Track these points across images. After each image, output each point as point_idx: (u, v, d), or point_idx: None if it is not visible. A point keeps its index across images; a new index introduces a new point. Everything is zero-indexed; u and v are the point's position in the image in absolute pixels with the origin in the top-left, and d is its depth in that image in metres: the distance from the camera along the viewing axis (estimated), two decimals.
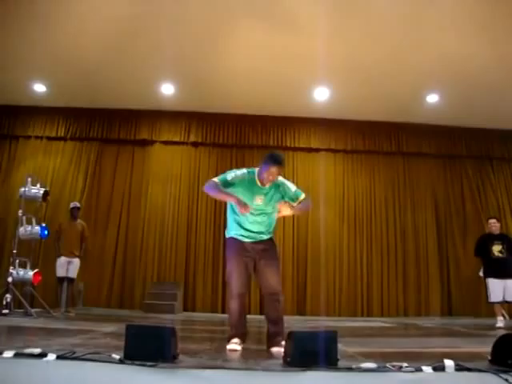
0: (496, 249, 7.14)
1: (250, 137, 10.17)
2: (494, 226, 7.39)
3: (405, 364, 2.53)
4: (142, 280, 9.40)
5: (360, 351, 3.49)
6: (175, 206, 9.84)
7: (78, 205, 8.17)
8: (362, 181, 10.20)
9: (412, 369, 2.49)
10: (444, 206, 10.37)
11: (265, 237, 3.85)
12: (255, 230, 3.79)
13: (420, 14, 6.78)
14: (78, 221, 8.04)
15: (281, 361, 2.63)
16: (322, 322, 7.52)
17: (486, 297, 7.45)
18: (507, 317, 6.99)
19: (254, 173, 3.81)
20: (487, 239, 7.39)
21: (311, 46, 7.43)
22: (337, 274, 9.71)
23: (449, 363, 2.53)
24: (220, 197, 3.83)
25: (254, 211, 3.70)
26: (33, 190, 7.28)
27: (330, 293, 9.49)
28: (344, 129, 10.30)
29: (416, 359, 3.27)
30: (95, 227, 9.42)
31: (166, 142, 10.22)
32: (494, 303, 7.14)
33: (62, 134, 10.03)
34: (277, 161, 3.65)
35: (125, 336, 2.46)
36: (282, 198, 3.81)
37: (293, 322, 7.36)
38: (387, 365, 2.52)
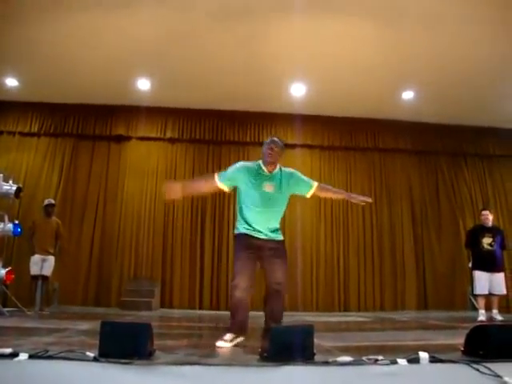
0: (486, 241, 7.08)
1: (227, 133, 10.15)
2: (486, 217, 7.27)
3: (380, 357, 2.57)
4: (118, 277, 9.30)
5: (336, 345, 3.52)
6: (152, 203, 9.76)
7: (52, 202, 8.03)
8: (339, 177, 10.26)
9: (387, 361, 2.53)
10: (419, 201, 10.52)
11: (273, 236, 3.84)
12: (263, 227, 3.78)
13: (396, 13, 6.83)
14: (53, 218, 7.90)
15: (258, 356, 2.63)
16: (300, 317, 7.55)
17: (472, 289, 7.53)
18: (497, 313, 6.99)
19: (259, 163, 3.84)
20: (478, 231, 7.30)
21: (288, 42, 7.44)
22: (314, 270, 9.77)
23: (423, 355, 2.58)
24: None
25: (267, 201, 3.72)
26: (4, 187, 7.12)
27: (307, 288, 9.53)
28: (320, 125, 10.35)
29: (391, 352, 3.31)
30: (70, 224, 9.28)
31: (142, 138, 10.12)
32: (478, 295, 7.13)
33: (36, 130, 9.83)
34: (274, 140, 3.82)
35: (99, 333, 2.42)
36: (295, 189, 3.94)
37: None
38: (363, 358, 2.55)
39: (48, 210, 7.86)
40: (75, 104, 9.81)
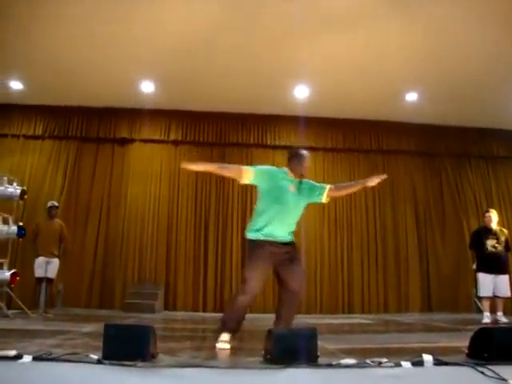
0: (490, 243, 7.04)
1: (231, 135, 10.15)
2: (489, 219, 7.23)
3: (384, 359, 2.56)
4: (122, 280, 9.31)
5: (340, 348, 3.51)
6: (155, 205, 9.78)
7: (55, 204, 8.05)
8: (342, 178, 10.16)
9: (391, 364, 2.52)
10: (423, 202, 10.50)
11: (289, 239, 3.90)
12: (282, 230, 3.81)
13: (400, 14, 6.82)
14: (56, 220, 7.92)
15: (261, 358, 2.63)
16: (303, 320, 7.52)
17: (476, 291, 7.49)
18: (502, 315, 6.95)
19: (285, 170, 3.94)
20: (482, 233, 7.25)
21: (291, 44, 7.44)
22: (317, 272, 9.76)
23: (427, 358, 2.57)
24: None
25: (290, 202, 3.79)
26: (9, 189, 7.16)
27: (310, 290, 9.51)
28: (324, 127, 10.34)
29: (395, 355, 3.30)
30: (74, 226, 9.30)
31: (145, 141, 10.13)
32: (483, 297, 7.09)
33: (40, 133, 9.86)
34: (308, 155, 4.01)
35: (103, 336, 2.43)
36: (311, 196, 3.99)
37: (273, 320, 7.37)
38: (367, 361, 2.54)
39: (51, 212, 7.89)
40: (79, 107, 9.84)
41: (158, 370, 2.30)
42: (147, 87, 9.07)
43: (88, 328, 4.78)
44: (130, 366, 2.23)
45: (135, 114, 10.02)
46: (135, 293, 8.67)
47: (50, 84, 8.97)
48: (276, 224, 3.75)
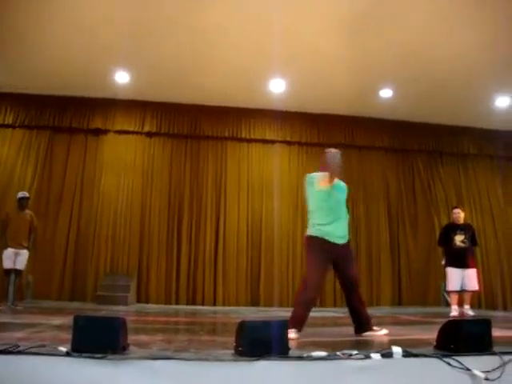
0: (458, 238, 7.21)
1: (206, 127, 10.11)
2: (457, 215, 7.43)
3: (355, 352, 2.58)
4: (94, 271, 9.21)
5: (311, 340, 3.54)
6: (128, 197, 9.68)
7: (26, 194, 7.88)
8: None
9: (361, 356, 2.54)
10: (396, 198, 10.66)
11: (343, 240, 4.12)
12: (338, 229, 4.07)
13: (376, 10, 6.88)
14: (27, 211, 7.76)
15: (232, 350, 2.63)
16: (275, 313, 7.58)
17: (445, 285, 7.66)
18: (469, 309, 7.13)
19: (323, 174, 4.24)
20: (450, 229, 7.43)
21: (268, 37, 7.42)
22: (290, 265, 9.83)
23: (396, 350, 2.61)
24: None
25: (335, 201, 4.12)
26: None
27: (283, 283, 9.58)
28: (299, 121, 10.39)
29: (366, 347, 3.35)
30: (45, 217, 9.15)
31: (119, 132, 10.02)
32: (451, 291, 7.27)
33: (10, 122, 9.65)
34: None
35: (72, 328, 2.39)
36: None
37: (246, 313, 7.40)
38: (337, 353, 2.56)
39: (22, 202, 7.72)
40: (52, 95, 9.65)
41: (129, 361, 2.27)
42: (122, 77, 8.95)
43: (58, 321, 4.72)
44: (100, 358, 2.20)
45: (109, 105, 9.89)
46: (107, 285, 8.60)
47: (22, 71, 8.78)
48: (330, 223, 4.10)
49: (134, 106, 9.96)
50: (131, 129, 9.99)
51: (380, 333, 3.97)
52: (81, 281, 9.15)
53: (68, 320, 4.26)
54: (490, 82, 8.82)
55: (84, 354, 2.24)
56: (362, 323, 4.06)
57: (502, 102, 9.57)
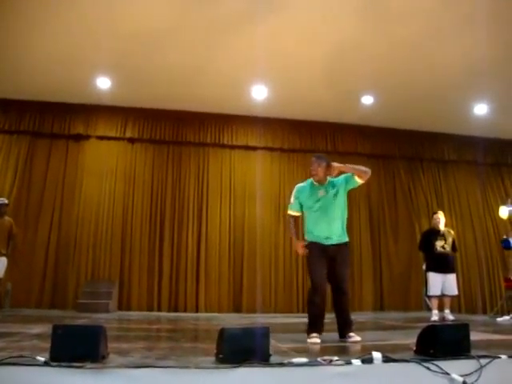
0: (439, 244, 7.31)
1: (188, 134, 10.09)
2: (438, 221, 7.51)
3: (335, 358, 2.60)
4: (75, 279, 9.08)
5: (293, 347, 3.55)
6: (110, 203, 9.60)
7: (5, 201, 7.77)
8: (298, 179, 10.18)
9: (342, 362, 2.56)
10: (377, 204, 10.76)
11: (337, 239, 4.23)
12: (328, 232, 4.19)
13: (355, 18, 6.95)
14: (6, 218, 7.65)
15: (213, 358, 2.63)
16: (258, 319, 7.57)
17: (426, 290, 7.75)
18: (449, 313, 7.21)
19: (311, 180, 4.42)
20: (431, 234, 7.53)
21: (250, 44, 7.45)
22: (272, 272, 9.83)
23: (376, 355, 2.64)
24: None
25: (321, 205, 4.23)
26: None
27: (265, 290, 9.57)
28: (281, 128, 10.43)
29: (347, 353, 3.38)
30: (25, 224, 9.03)
31: (101, 137, 9.94)
32: (432, 296, 7.36)
33: None
34: (312, 158, 4.46)
35: (51, 337, 2.36)
36: (341, 184, 4.40)
37: (228, 319, 7.39)
38: (318, 359, 2.58)
39: (0, 209, 7.60)
40: (32, 101, 9.51)
41: (108, 370, 2.25)
42: (103, 83, 8.89)
43: (37, 329, 4.65)
44: (79, 367, 2.19)
45: (91, 110, 9.81)
46: (88, 292, 8.50)
47: (1, 76, 8.65)
48: (320, 228, 4.24)
49: (115, 112, 9.90)
50: (113, 135, 9.91)
51: (354, 339, 3.98)
52: (61, 288, 9.02)
53: (48, 329, 4.19)
54: (468, 91, 8.97)
55: (63, 364, 2.21)
56: (341, 327, 4.15)
57: (479, 109, 9.74)
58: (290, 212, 4.51)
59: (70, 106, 9.71)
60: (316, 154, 4.53)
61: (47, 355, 2.31)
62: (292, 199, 4.49)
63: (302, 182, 4.54)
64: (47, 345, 2.42)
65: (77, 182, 9.61)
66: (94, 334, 2.41)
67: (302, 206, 4.41)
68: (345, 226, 4.34)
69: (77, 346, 2.31)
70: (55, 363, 2.23)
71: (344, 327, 4.14)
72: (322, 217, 4.22)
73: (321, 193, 4.27)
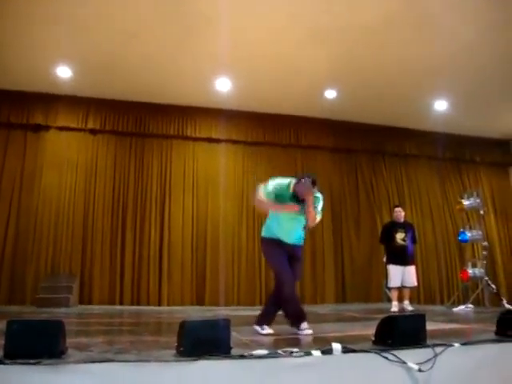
0: (399, 236, 7.45)
1: (151, 125, 9.95)
2: (398, 214, 7.67)
3: (295, 349, 2.64)
4: (34, 273, 8.83)
5: (254, 339, 3.57)
6: (71, 195, 9.38)
7: None
8: (261, 172, 10.27)
9: (302, 353, 2.60)
10: (339, 197, 10.88)
11: (298, 242, 4.25)
12: (292, 233, 4.16)
13: (321, 13, 7.00)
14: None
15: (174, 351, 2.62)
16: (220, 312, 7.59)
17: (386, 282, 7.91)
18: (408, 304, 7.40)
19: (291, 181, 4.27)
20: (391, 227, 7.68)
21: (214, 37, 7.40)
22: (235, 264, 9.83)
23: (336, 346, 2.69)
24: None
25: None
26: None
27: (228, 282, 9.57)
28: (245, 120, 10.41)
29: (307, 344, 3.42)
30: None
31: (61, 128, 9.66)
32: (392, 288, 7.53)
33: None
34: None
35: (5, 333, 2.30)
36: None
37: (191, 312, 7.38)
38: (278, 351, 2.60)
39: None
40: None
41: (66, 366, 2.21)
42: (64, 72, 8.65)
43: None
44: (35, 363, 2.14)
45: (51, 100, 9.52)
46: (48, 286, 8.29)
47: None
48: (284, 227, 4.19)
49: (77, 103, 9.64)
50: (74, 126, 9.65)
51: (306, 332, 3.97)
52: (19, 283, 8.74)
53: (3, 325, 4.08)
54: (428, 87, 9.17)
55: (18, 361, 2.16)
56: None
57: (440, 105, 9.97)
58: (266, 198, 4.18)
59: (28, 95, 9.39)
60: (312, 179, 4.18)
61: (1, 352, 2.25)
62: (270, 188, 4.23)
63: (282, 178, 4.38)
64: (1, 342, 2.35)
65: (36, 173, 9.33)
66: (52, 328, 2.35)
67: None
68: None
69: (33, 341, 2.25)
70: (9, 360, 2.17)
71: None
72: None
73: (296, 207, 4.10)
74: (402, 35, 7.50)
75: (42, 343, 2.28)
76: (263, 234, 4.30)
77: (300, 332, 3.92)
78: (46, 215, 9.18)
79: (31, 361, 2.16)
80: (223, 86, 9.15)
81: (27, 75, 8.75)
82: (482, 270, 8.90)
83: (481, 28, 7.25)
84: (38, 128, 9.57)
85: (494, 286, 8.81)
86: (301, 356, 2.59)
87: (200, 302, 9.37)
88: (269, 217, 4.33)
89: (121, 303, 9.00)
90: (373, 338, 3.05)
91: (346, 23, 7.21)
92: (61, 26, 7.11)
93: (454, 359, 2.82)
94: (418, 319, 3.03)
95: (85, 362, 2.29)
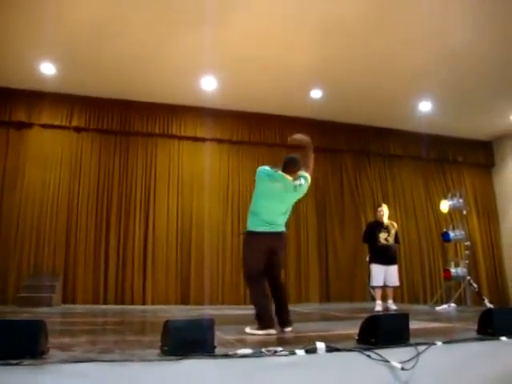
0: (382, 236, 7.50)
1: (136, 124, 9.88)
2: (382, 214, 7.69)
3: (279, 348, 2.64)
4: (16, 271, 8.70)
5: (238, 338, 3.57)
6: (55, 194, 9.28)
7: None
8: (246, 171, 10.27)
9: (286, 353, 2.60)
10: (324, 196, 10.93)
11: (281, 229, 4.54)
12: (278, 222, 4.48)
13: (304, 16, 7.01)
14: None
15: (158, 350, 2.61)
16: (205, 311, 7.57)
17: (369, 281, 7.97)
18: (392, 303, 7.45)
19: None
20: (375, 226, 7.71)
21: (200, 35, 7.37)
22: (220, 263, 9.82)
23: (320, 345, 2.70)
24: None
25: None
26: None
27: (213, 282, 9.55)
28: (230, 119, 10.40)
29: (292, 344, 3.43)
30: None
31: (45, 126, 9.54)
32: (375, 287, 7.59)
33: None
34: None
35: None
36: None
37: (175, 312, 7.34)
38: (263, 350, 2.61)
39: None
40: None
41: (48, 366, 2.19)
42: (48, 69, 8.54)
43: None
44: (16, 364, 2.11)
45: (34, 97, 9.38)
46: (31, 285, 8.18)
47: None
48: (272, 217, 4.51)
49: (61, 100, 9.54)
50: (58, 123, 9.53)
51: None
52: (0, 282, 8.61)
53: None
54: (413, 88, 9.24)
55: None
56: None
57: (424, 106, 10.07)
58: None
59: (11, 92, 9.25)
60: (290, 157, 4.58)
61: None
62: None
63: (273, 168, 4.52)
64: None
65: (19, 171, 9.19)
66: (33, 328, 2.33)
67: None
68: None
69: (13, 342, 2.23)
70: None
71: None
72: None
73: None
74: (387, 37, 7.55)
75: (22, 343, 2.26)
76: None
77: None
78: (29, 213, 9.06)
79: (12, 361, 2.13)
80: (209, 84, 9.12)
81: (10, 72, 8.62)
82: (465, 270, 9.02)
83: (466, 31, 7.32)
84: (21, 125, 9.43)
85: (475, 286, 8.93)
86: (285, 355, 2.60)
87: (185, 300, 9.33)
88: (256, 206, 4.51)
89: (105, 302, 8.92)
90: (357, 337, 3.08)
91: (332, 24, 7.23)
92: (45, 23, 7.00)
93: (437, 358, 2.85)
94: (402, 318, 3.07)
95: (67, 362, 2.26)
